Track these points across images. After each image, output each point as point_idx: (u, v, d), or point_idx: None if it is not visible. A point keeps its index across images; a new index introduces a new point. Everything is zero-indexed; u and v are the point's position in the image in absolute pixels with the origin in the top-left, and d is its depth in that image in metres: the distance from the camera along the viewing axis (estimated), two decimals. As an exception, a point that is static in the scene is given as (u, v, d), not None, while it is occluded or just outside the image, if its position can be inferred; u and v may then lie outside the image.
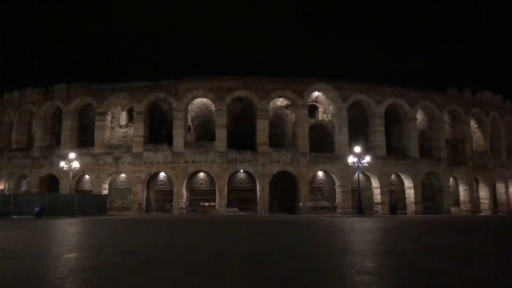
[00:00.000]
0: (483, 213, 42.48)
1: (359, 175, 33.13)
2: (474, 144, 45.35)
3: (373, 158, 35.50)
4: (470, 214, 40.67)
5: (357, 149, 33.10)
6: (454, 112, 43.64)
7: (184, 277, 6.42)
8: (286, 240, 12.47)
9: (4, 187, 40.70)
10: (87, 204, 30.10)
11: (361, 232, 15.16)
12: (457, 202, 42.86)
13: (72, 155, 34.53)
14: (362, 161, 31.78)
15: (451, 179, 42.10)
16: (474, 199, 42.81)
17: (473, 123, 45.66)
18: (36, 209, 25.73)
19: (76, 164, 33.89)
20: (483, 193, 44.72)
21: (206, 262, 7.96)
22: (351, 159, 32.55)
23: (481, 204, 44.06)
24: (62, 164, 33.66)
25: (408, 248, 10.60)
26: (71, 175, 34.73)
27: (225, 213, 34.66)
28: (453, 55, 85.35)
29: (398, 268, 7.40)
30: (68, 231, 16.07)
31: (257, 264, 7.76)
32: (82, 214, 28.34)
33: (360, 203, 31.93)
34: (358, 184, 33.18)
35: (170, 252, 9.52)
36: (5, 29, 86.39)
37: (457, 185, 43.39)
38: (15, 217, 26.21)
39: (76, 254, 8.83)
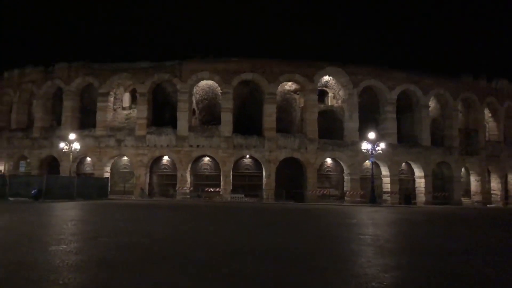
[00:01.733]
0: (494, 205, 41.28)
1: (372, 162, 31.70)
2: (487, 134, 43.89)
3: (383, 146, 34.13)
4: (482, 205, 39.54)
5: (371, 135, 31.73)
6: (468, 100, 42.11)
7: (192, 283, 5.24)
8: (304, 233, 11.30)
9: (4, 168, 39.73)
10: (87, 187, 29.01)
11: (384, 224, 13.98)
12: (467, 192, 41.68)
13: (72, 136, 33.35)
14: (377, 148, 30.41)
15: (462, 169, 40.83)
16: (485, 190, 41.58)
17: (486, 112, 44.11)
18: (33, 192, 24.66)
19: (76, 146, 32.74)
20: (495, 184, 43.45)
21: (216, 260, 6.78)
22: (364, 146, 31.21)
23: (492, 196, 42.85)
24: (62, 145, 32.50)
25: (454, 246, 9.30)
26: (71, 156, 33.61)
27: (230, 199, 33.59)
28: (468, 41, 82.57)
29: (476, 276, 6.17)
30: (63, 216, 14.99)
31: (279, 265, 6.58)
32: (82, 197, 27.28)
33: (373, 192, 30.70)
34: (372, 172, 31.90)
35: (173, 247, 8.34)
36: (5, 4, 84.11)
37: (468, 175, 42.13)
38: (11, 199, 25.16)
39: (65, 247, 7.64)
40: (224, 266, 6.31)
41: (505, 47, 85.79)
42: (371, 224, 13.94)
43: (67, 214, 15.83)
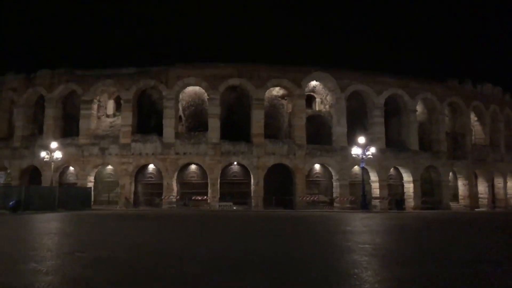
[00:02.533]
0: (482, 209, 41.33)
1: (363, 167, 31.35)
2: (473, 138, 44.11)
3: (374, 151, 33.88)
4: (470, 210, 39.54)
5: (361, 139, 31.44)
6: (454, 105, 42.30)
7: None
8: (300, 242, 10.72)
9: (-17, 179, 38.31)
10: (69, 197, 27.99)
11: (381, 231, 13.49)
12: (455, 197, 41.69)
13: (54, 144, 32.28)
14: (367, 153, 30.09)
15: (450, 173, 40.85)
16: (473, 194, 41.63)
17: (472, 116, 44.37)
18: (11, 203, 23.58)
19: (58, 155, 31.68)
20: (482, 188, 43.59)
21: (211, 277, 6.15)
22: (355, 151, 30.85)
23: (479, 199, 42.92)
24: (43, 154, 31.39)
25: (466, 255, 8.78)
26: (52, 166, 32.49)
27: (218, 207, 32.85)
28: (453, 46, 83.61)
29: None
30: (41, 229, 14.15)
31: (279, 279, 5.98)
32: (64, 208, 26.28)
33: (365, 198, 30.32)
34: (363, 177, 31.61)
35: (160, 262, 7.66)
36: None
37: (455, 179, 42.18)
38: (-12, 211, 24.05)
39: (35, 265, 6.86)
40: (222, 283, 5.70)
41: (489, 51, 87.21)
42: (368, 231, 13.45)
43: (45, 227, 14.97)
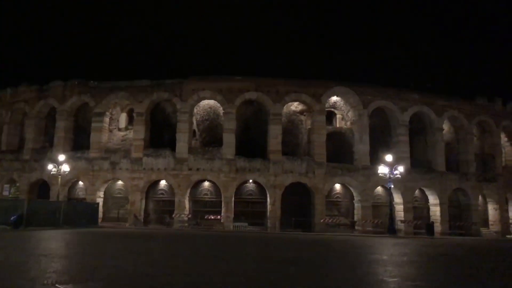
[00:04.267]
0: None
1: (390, 187, 29.07)
2: (503, 159, 41.52)
3: (402, 170, 31.67)
4: (501, 236, 36.79)
5: (389, 157, 29.35)
6: (483, 124, 39.99)
7: None
8: (336, 275, 8.80)
9: (-8, 192, 37.15)
10: (75, 213, 26.38)
11: (425, 262, 11.35)
12: (485, 222, 38.94)
13: (61, 157, 31.00)
14: (394, 172, 27.94)
15: (479, 196, 38.26)
16: (504, 219, 38.88)
17: (502, 136, 41.88)
18: (12, 218, 22.06)
19: (66, 168, 30.33)
20: (512, 213, 40.77)
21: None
22: (381, 170, 28.73)
23: (511, 225, 40.06)
24: (50, 167, 30.07)
25: None
26: (59, 179, 31.11)
27: (232, 228, 30.87)
28: (481, 62, 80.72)
29: None
30: (36, 250, 12.48)
31: None
32: (69, 225, 24.66)
33: (392, 221, 27.99)
34: (391, 198, 29.28)
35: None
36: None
37: (485, 203, 39.50)
38: (-13, 226, 22.55)
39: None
40: None
41: None
42: (409, 262, 11.40)
43: (40, 247, 13.31)
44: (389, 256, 12.84)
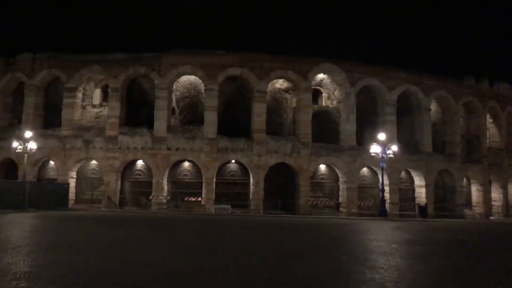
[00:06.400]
0: (495, 217, 38.38)
1: (383, 168, 27.97)
2: (488, 140, 41.15)
3: (395, 149, 30.69)
4: (484, 218, 36.64)
5: (382, 136, 28.25)
6: (470, 104, 39.30)
7: None
8: (344, 276, 7.49)
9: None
10: (43, 195, 24.40)
11: (448, 254, 10.16)
12: (468, 203, 38.70)
13: (28, 133, 28.76)
14: (387, 151, 26.86)
15: (464, 178, 37.88)
16: (487, 201, 38.72)
17: (487, 117, 41.40)
18: (-31, 201, 20.14)
19: (33, 146, 28.18)
20: (496, 194, 40.65)
21: None
22: (374, 149, 27.60)
23: (493, 207, 40.00)
24: (16, 144, 27.86)
25: None
26: (26, 158, 28.92)
27: (214, 210, 29.49)
28: (469, 42, 79.62)
29: None
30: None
31: None
32: (36, 207, 22.77)
33: (384, 203, 27.02)
34: (382, 179, 28.22)
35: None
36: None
37: (469, 184, 39.21)
38: None
39: None
40: None
41: (507, 49, 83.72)
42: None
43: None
44: (390, 241, 11.60)
